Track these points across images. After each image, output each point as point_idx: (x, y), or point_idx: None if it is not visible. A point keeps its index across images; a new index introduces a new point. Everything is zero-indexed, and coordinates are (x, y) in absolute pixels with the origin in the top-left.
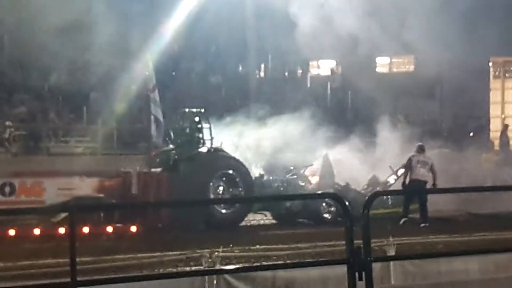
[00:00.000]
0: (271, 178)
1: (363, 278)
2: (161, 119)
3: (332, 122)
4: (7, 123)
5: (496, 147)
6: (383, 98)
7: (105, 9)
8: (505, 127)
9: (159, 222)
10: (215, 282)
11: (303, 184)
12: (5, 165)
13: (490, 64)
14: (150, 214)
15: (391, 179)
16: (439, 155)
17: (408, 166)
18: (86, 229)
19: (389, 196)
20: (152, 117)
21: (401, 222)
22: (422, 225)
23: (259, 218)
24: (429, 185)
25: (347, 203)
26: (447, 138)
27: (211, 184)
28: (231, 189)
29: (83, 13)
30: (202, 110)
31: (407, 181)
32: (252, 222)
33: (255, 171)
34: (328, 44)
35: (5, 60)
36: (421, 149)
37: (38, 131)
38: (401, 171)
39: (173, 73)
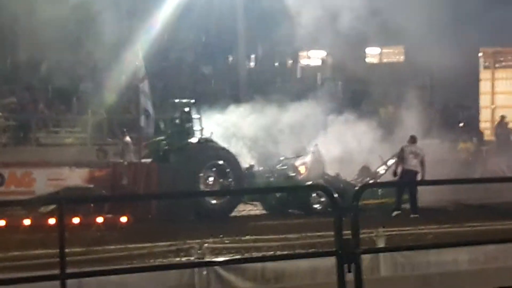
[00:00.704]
0: (261, 168)
1: (352, 270)
2: (151, 109)
3: (322, 112)
4: None
5: (486, 137)
6: (373, 88)
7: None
8: (502, 118)
9: (149, 213)
10: (204, 272)
11: (293, 174)
12: None
13: (480, 54)
14: (140, 205)
15: (381, 170)
16: (428, 145)
17: (401, 156)
18: (76, 220)
19: None
20: (142, 107)
21: (394, 214)
22: (412, 216)
23: (249, 209)
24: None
25: (335, 195)
26: (437, 128)
27: (201, 174)
28: (221, 180)
29: (73, 4)
30: (192, 101)
31: (398, 170)
32: (242, 213)
33: (245, 162)
34: (318, 34)
35: None
36: (413, 140)
37: (28, 122)
38: (391, 161)
39: (163, 64)
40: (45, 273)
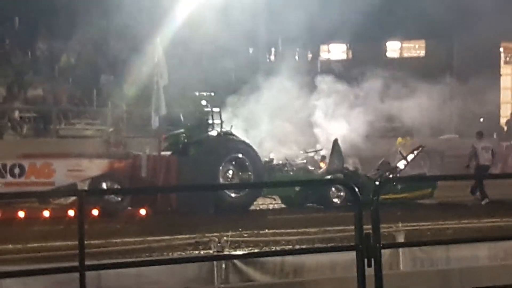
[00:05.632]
0: (280, 162)
1: (372, 265)
2: (163, 104)
3: (342, 106)
4: (17, 105)
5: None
6: (393, 83)
7: None
8: None
9: (168, 206)
10: (223, 266)
11: (312, 168)
12: (15, 147)
13: (501, 49)
14: (160, 198)
15: (401, 164)
16: (448, 140)
17: (473, 154)
18: (95, 212)
19: None
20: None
21: (483, 203)
22: (484, 202)
23: (268, 202)
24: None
25: (356, 189)
26: (456, 123)
27: (221, 168)
28: (240, 173)
29: None
30: (212, 94)
31: (471, 166)
32: (261, 206)
33: (265, 155)
34: (339, 28)
35: (16, 42)
36: (480, 135)
37: (48, 113)
38: (411, 156)
39: (183, 56)
40: (64, 264)
